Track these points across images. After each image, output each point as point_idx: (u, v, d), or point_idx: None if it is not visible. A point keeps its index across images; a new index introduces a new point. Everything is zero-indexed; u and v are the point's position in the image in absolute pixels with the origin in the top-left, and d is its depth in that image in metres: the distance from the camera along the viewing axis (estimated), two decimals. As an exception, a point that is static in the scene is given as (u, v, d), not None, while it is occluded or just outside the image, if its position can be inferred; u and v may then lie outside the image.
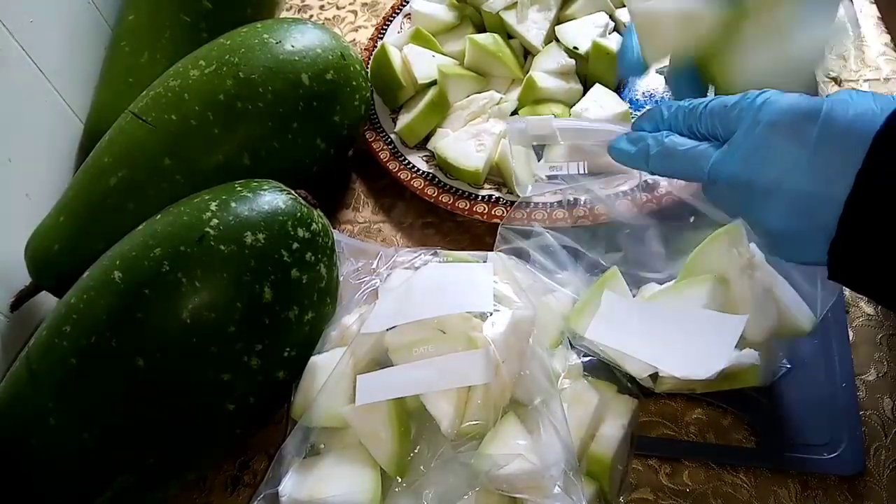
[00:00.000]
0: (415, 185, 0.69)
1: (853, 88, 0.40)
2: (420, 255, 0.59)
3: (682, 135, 0.43)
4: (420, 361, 0.49)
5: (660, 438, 0.54)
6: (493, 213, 0.65)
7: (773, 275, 0.50)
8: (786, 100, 0.38)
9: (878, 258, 0.35)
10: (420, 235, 0.70)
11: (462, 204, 0.67)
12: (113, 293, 0.51)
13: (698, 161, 0.41)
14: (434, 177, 0.69)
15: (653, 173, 0.45)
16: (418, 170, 0.71)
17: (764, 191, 0.38)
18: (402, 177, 0.70)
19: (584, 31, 0.72)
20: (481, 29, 0.79)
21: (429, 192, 0.68)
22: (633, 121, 0.50)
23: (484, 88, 0.74)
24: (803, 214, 0.37)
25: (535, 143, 0.56)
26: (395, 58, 0.75)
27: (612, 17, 0.75)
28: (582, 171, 0.52)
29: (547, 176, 0.58)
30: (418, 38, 0.76)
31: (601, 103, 0.68)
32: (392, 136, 0.74)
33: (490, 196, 0.67)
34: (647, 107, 0.72)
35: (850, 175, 0.34)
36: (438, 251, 0.59)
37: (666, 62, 0.53)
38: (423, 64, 0.74)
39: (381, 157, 0.72)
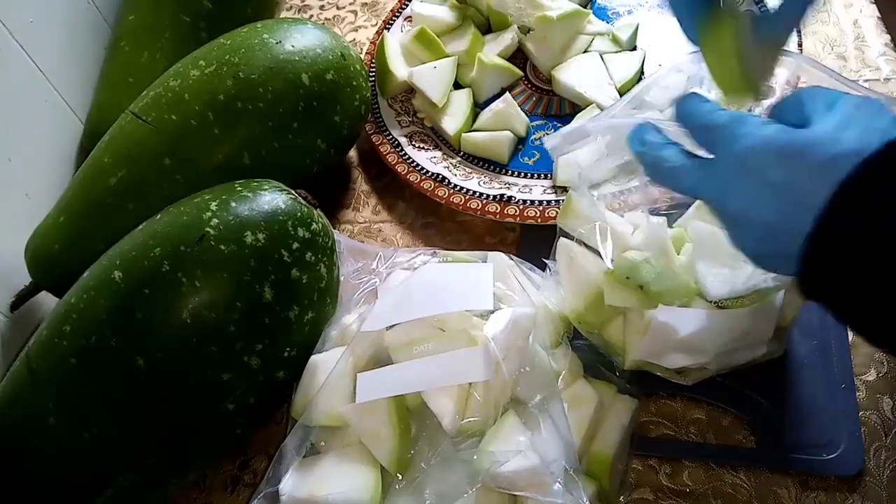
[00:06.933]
0: (425, 186, 0.69)
1: (870, 94, 0.38)
2: (419, 255, 0.59)
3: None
4: (420, 359, 0.49)
5: (660, 438, 0.54)
6: (505, 212, 0.65)
7: None
8: (762, 135, 0.37)
9: (841, 294, 0.35)
10: (420, 235, 0.70)
11: (475, 204, 0.66)
12: (113, 293, 0.51)
13: (681, 179, 0.42)
14: (444, 178, 0.69)
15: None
16: (427, 171, 0.70)
17: (733, 217, 0.39)
18: (411, 179, 0.69)
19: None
20: (484, 29, 0.79)
21: (440, 194, 0.68)
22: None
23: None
24: (769, 243, 0.38)
25: (574, 147, 0.56)
26: (391, 46, 0.76)
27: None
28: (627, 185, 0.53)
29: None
30: (422, 38, 0.76)
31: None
32: (400, 138, 0.74)
33: (502, 195, 0.66)
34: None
35: (811, 215, 0.34)
36: (437, 251, 0.59)
37: None
38: (432, 85, 0.74)
39: (390, 160, 0.71)
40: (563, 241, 0.54)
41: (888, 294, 0.33)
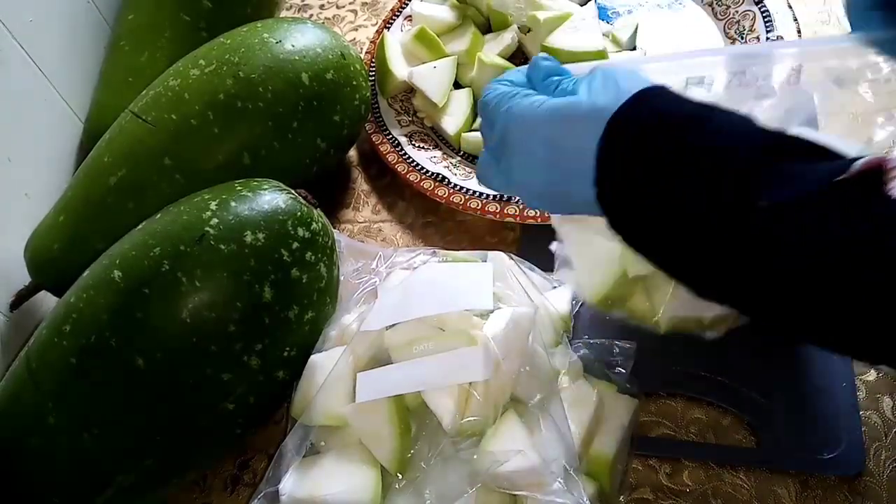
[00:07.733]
0: (425, 185, 0.69)
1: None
2: (419, 254, 0.59)
3: None
4: (420, 359, 0.49)
5: (660, 438, 0.54)
6: (505, 211, 0.65)
7: None
8: (527, 103, 0.41)
9: (632, 217, 0.38)
10: (420, 235, 0.70)
11: (474, 203, 0.66)
12: (113, 292, 0.51)
13: (487, 178, 0.48)
14: (444, 178, 0.69)
15: None
16: (427, 171, 0.70)
17: (520, 184, 0.44)
18: (411, 178, 0.70)
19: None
20: (484, 29, 0.79)
21: (440, 193, 0.68)
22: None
23: None
24: (557, 185, 0.41)
25: None
26: (391, 46, 0.76)
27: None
28: None
29: None
30: (422, 37, 0.76)
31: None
32: (400, 138, 0.73)
33: (502, 195, 0.66)
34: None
35: (587, 154, 0.38)
36: (437, 251, 0.59)
37: None
38: (432, 84, 0.74)
39: (390, 159, 0.71)
40: (565, 228, 0.54)
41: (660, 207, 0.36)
